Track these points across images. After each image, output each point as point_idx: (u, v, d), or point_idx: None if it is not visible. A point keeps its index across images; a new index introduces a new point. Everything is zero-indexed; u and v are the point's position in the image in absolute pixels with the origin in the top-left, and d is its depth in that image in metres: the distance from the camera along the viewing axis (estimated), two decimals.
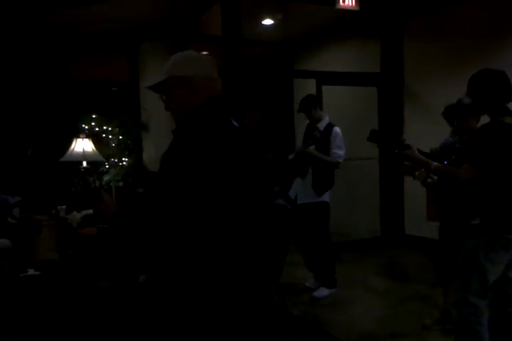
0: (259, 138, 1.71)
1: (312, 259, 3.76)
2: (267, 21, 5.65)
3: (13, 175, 4.99)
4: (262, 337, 3.01)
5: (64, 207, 4.36)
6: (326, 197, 3.66)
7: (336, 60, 6.07)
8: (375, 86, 5.47)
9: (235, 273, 1.54)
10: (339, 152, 3.65)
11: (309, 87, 5.31)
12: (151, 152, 5.61)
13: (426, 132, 4.90)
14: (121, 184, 5.00)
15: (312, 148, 3.67)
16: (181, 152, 1.44)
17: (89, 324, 2.57)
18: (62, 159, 4.73)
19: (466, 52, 4.54)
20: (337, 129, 3.68)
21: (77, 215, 4.03)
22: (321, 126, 3.72)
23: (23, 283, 3.89)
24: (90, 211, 4.27)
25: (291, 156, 3.83)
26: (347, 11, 4.98)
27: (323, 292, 3.63)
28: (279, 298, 3.08)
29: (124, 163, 5.35)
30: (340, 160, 3.66)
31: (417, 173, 2.82)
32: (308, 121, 3.85)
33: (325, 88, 5.08)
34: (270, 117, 6.78)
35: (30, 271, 3.97)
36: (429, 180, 2.87)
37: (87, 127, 5.23)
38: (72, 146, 4.77)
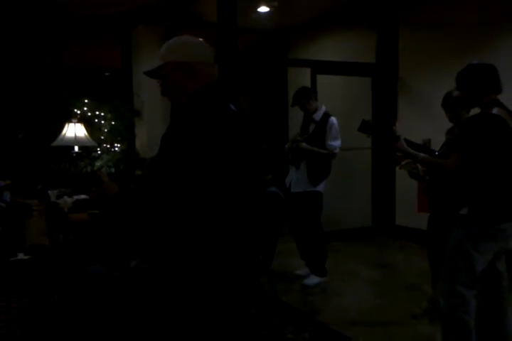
0: (254, 124, 1.71)
1: (304, 247, 3.79)
2: (263, 9, 5.60)
3: (4, 158, 4.94)
4: (253, 324, 3.04)
5: (55, 191, 4.33)
6: (320, 187, 3.68)
7: (331, 49, 6.05)
8: (369, 76, 5.46)
9: (226, 259, 1.54)
10: (334, 143, 3.65)
11: (304, 76, 5.29)
12: (144, 138, 5.57)
13: (419, 123, 4.93)
14: (113, 170, 4.97)
15: (303, 144, 3.67)
16: (180, 135, 1.44)
17: (80, 307, 2.58)
18: (54, 144, 4.68)
19: (462, 44, 4.54)
20: (333, 119, 3.68)
21: (68, 200, 4.00)
22: (317, 116, 3.71)
23: (12, 267, 3.89)
24: (82, 196, 4.26)
25: (287, 145, 3.83)
26: (343, 1, 4.93)
27: (313, 280, 3.67)
28: (270, 285, 3.10)
29: (117, 148, 5.32)
30: (336, 152, 3.67)
31: (402, 163, 2.83)
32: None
33: (319, 77, 5.07)
34: (264, 106, 6.75)
35: (20, 255, 3.96)
36: (414, 170, 2.89)
37: (79, 112, 5.17)
38: (64, 131, 4.73)
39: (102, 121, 5.31)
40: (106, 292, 2.41)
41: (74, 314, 2.55)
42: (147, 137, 5.50)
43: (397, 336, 2.82)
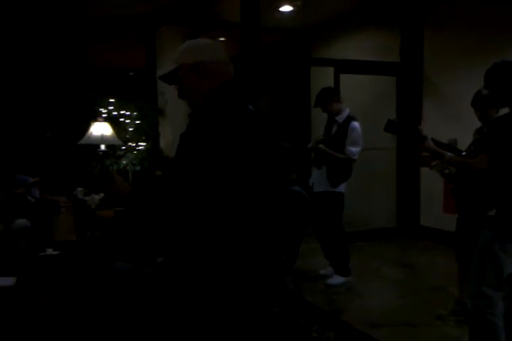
0: (273, 123, 1.73)
1: (328, 247, 3.79)
2: (286, 8, 5.60)
3: (33, 156, 5.08)
4: (277, 322, 3.06)
5: (82, 189, 4.43)
6: (341, 187, 3.66)
7: (353, 48, 6.01)
8: (394, 75, 5.41)
9: (249, 258, 1.56)
10: (353, 149, 3.58)
11: (326, 75, 5.27)
12: (168, 137, 5.64)
13: (444, 123, 4.86)
14: (138, 168, 5.06)
15: (322, 146, 3.64)
16: (198, 136, 1.46)
17: (108, 303, 2.63)
18: (81, 142, 4.78)
19: (488, 43, 4.46)
20: (355, 124, 3.61)
21: (95, 197, 4.09)
22: (341, 118, 3.67)
23: (41, 262, 4.00)
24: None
25: (310, 145, 3.83)
26: None
27: (336, 280, 3.66)
28: (294, 284, 3.12)
29: (141, 147, 5.40)
30: (354, 158, 3.61)
31: (433, 163, 2.81)
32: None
33: (343, 76, 5.04)
34: (286, 105, 6.75)
35: (49, 251, 4.07)
36: (446, 170, 2.86)
37: (105, 111, 5.27)
38: (91, 130, 4.82)
39: (127, 120, 5.39)
40: (134, 287, 2.46)
41: (102, 309, 2.61)
42: (171, 136, 5.57)
43: (423, 337, 2.80)
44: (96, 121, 4.89)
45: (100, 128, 4.86)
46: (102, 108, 5.24)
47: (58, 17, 5.56)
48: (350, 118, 3.64)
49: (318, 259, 4.01)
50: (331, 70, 5.09)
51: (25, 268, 3.88)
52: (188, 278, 1.62)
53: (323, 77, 5.69)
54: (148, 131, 5.45)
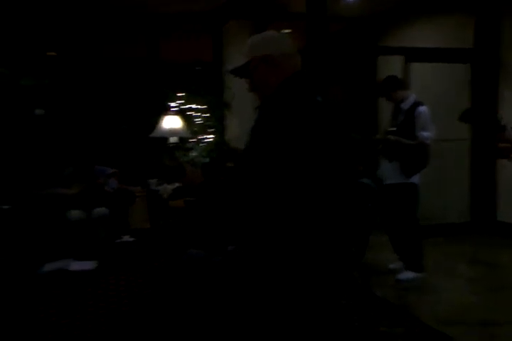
0: (342, 115, 1.71)
1: (398, 241, 3.70)
2: None
3: (110, 148, 5.38)
4: (344, 315, 3.05)
5: (155, 179, 4.63)
6: (415, 179, 3.55)
7: (423, 36, 5.77)
8: (467, 63, 5.14)
9: (320, 249, 1.56)
10: (424, 133, 3.47)
11: (394, 64, 5.11)
12: (234, 130, 5.75)
13: None
14: (206, 160, 5.20)
15: (390, 136, 3.55)
16: (269, 128, 1.48)
17: (180, 288, 2.74)
18: (152, 135, 4.99)
19: None
20: (421, 109, 3.49)
21: (168, 187, 4.26)
22: (406, 105, 3.57)
23: (119, 248, 4.23)
24: (178, 184, 4.51)
25: (378, 136, 3.76)
26: None
27: (407, 275, 3.58)
28: (363, 278, 3.08)
29: (209, 139, 5.55)
30: (427, 142, 3.50)
31: None
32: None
33: (412, 65, 4.87)
34: (353, 96, 6.62)
35: (125, 238, 4.29)
36: None
37: (175, 105, 5.46)
38: (162, 123, 5.01)
39: (196, 114, 5.55)
40: (206, 274, 2.54)
41: (175, 293, 2.73)
42: (237, 128, 5.67)
43: (503, 337, 2.68)
44: (166, 114, 5.08)
45: (170, 122, 5.04)
46: (172, 102, 5.43)
47: (131, 14, 5.82)
48: (416, 104, 3.52)
49: (388, 253, 3.93)
50: (398, 59, 4.94)
51: (104, 253, 4.13)
52: (257, 267, 1.66)
53: (390, 67, 5.52)
54: (216, 123, 5.59)
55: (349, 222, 1.73)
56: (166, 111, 5.17)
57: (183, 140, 5.35)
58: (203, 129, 5.57)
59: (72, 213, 4.09)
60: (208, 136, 5.56)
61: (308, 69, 1.70)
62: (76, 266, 3.89)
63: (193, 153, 5.36)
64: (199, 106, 5.59)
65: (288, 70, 1.61)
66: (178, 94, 5.54)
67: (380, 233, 3.79)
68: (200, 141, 5.52)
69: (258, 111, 1.59)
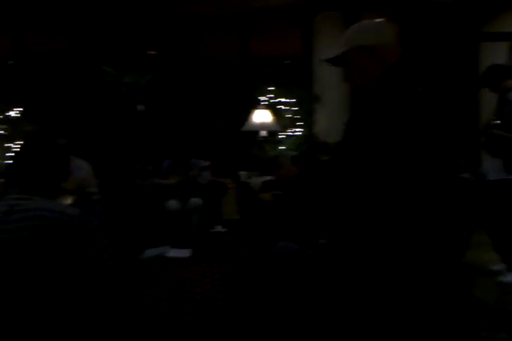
0: (444, 106, 1.62)
1: (500, 241, 3.45)
2: None
3: (204, 142, 5.64)
4: (442, 315, 2.92)
5: (246, 172, 4.77)
6: None
7: None
8: None
9: (417, 246, 1.50)
10: None
11: (498, 52, 4.72)
12: (323, 123, 5.70)
13: None
14: (295, 153, 5.23)
15: (494, 130, 3.28)
16: (367, 120, 1.45)
17: (272, 279, 2.79)
18: (243, 128, 5.13)
19: None
20: None
21: (257, 180, 4.37)
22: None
23: (212, 238, 4.43)
24: (269, 177, 4.59)
25: (481, 129, 3.51)
26: None
27: (510, 277, 3.33)
28: (462, 279, 2.92)
29: (298, 133, 5.57)
30: None
31: None
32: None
33: None
34: (453, 86, 6.23)
35: (218, 228, 4.49)
36: None
37: (264, 99, 5.55)
38: (252, 117, 5.13)
39: (285, 107, 5.60)
40: (299, 267, 2.56)
41: (266, 283, 2.80)
42: (327, 122, 5.62)
43: None
44: (257, 108, 5.19)
45: (261, 115, 5.15)
46: (262, 96, 5.53)
47: (223, 11, 6.00)
48: None
49: (489, 253, 3.68)
50: (503, 46, 4.55)
51: (198, 242, 4.34)
52: (352, 263, 1.64)
53: (494, 54, 5.11)
54: (305, 117, 5.59)
55: (449, 219, 1.65)
56: (256, 105, 5.27)
57: (272, 133, 5.42)
58: (292, 123, 5.60)
59: (169, 203, 4.36)
60: (297, 130, 5.58)
61: (406, 58, 1.64)
62: (173, 252, 4.15)
63: (282, 147, 5.42)
64: (288, 100, 5.62)
65: (387, 60, 1.56)
66: (268, 88, 5.62)
67: (481, 231, 3.56)
68: (289, 134, 5.57)
69: (355, 103, 1.57)
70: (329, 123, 5.64)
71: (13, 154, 4.98)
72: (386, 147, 1.42)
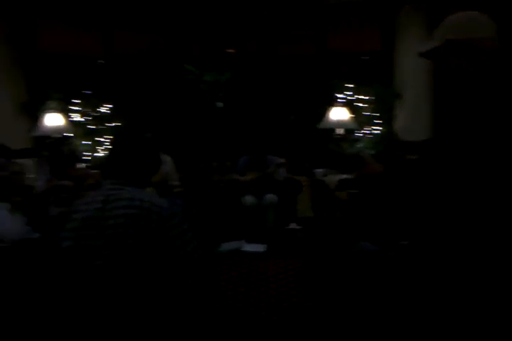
0: None
1: None
2: None
3: (279, 139, 5.67)
4: None
5: (321, 170, 4.73)
6: None
7: None
8: None
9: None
10: None
11: None
12: (403, 121, 5.51)
13: None
14: (372, 152, 5.11)
15: None
16: (474, 117, 1.38)
17: (352, 278, 2.75)
18: (320, 126, 5.08)
19: None
20: None
21: (333, 178, 4.32)
22: None
23: (287, 235, 4.46)
24: (344, 175, 4.52)
25: None
26: None
27: None
28: None
29: (376, 131, 5.42)
30: None
31: None
32: None
33: None
34: None
35: (292, 225, 4.50)
36: None
37: (342, 96, 5.46)
38: (329, 114, 5.07)
39: (363, 105, 5.47)
40: (380, 268, 2.50)
41: (345, 285, 2.76)
42: (408, 119, 5.42)
43: None
44: (334, 105, 5.12)
45: (337, 113, 5.07)
46: (339, 93, 5.44)
47: (300, 5, 5.99)
48: None
49: None
50: None
51: (273, 238, 4.39)
52: (436, 265, 1.57)
53: None
54: (384, 114, 5.42)
55: None
56: (334, 102, 5.21)
57: (348, 131, 5.33)
58: (370, 120, 5.46)
59: (246, 199, 4.43)
60: (375, 128, 5.43)
61: (504, 54, 1.54)
62: (248, 247, 4.24)
63: (359, 145, 5.30)
64: (366, 97, 5.48)
65: (488, 55, 1.49)
66: (346, 85, 5.52)
67: None
68: (367, 132, 5.44)
69: (454, 99, 1.51)
70: (410, 120, 5.44)
71: (102, 148, 5.33)
72: (500, 148, 1.35)
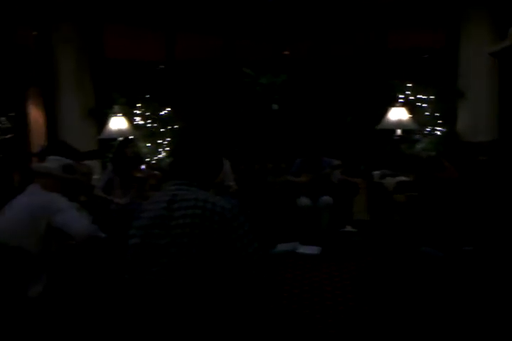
0: None
1: None
2: None
3: (335, 140, 5.61)
4: None
5: (378, 172, 4.62)
6: None
7: None
8: None
9: None
10: None
11: None
12: (467, 120, 5.27)
13: None
14: (433, 153, 4.92)
15: None
16: None
17: (412, 282, 2.67)
18: (378, 127, 4.98)
19: None
20: None
21: (392, 181, 4.21)
22: None
23: (342, 237, 4.40)
24: (402, 178, 4.40)
25: None
26: None
27: None
28: None
29: (437, 132, 5.22)
30: None
31: None
32: None
33: None
34: None
35: (348, 228, 4.44)
36: None
37: (401, 95, 5.31)
38: (388, 115, 4.95)
39: (424, 104, 5.28)
40: (443, 273, 2.42)
41: (410, 290, 2.68)
42: (472, 119, 5.19)
43: None
44: (393, 106, 4.99)
45: (397, 113, 4.94)
46: (399, 92, 5.29)
47: (359, 5, 5.88)
48: None
49: None
50: None
51: (327, 240, 4.35)
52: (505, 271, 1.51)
53: None
54: (446, 114, 5.21)
55: None
56: (393, 102, 5.09)
57: (408, 132, 5.18)
58: (431, 121, 5.26)
59: (300, 200, 4.42)
60: (437, 128, 5.23)
61: None
62: (303, 249, 4.23)
63: (419, 146, 5.13)
64: (427, 97, 5.29)
65: None
66: (406, 85, 5.36)
67: None
68: (428, 133, 5.24)
69: None
70: (474, 120, 5.20)
71: (163, 149, 5.53)
72: None
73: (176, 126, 5.63)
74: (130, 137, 4.68)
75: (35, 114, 6.58)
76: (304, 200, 4.44)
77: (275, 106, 5.75)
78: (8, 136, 5.43)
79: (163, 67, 6.35)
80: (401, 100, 5.25)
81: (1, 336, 1.96)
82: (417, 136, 5.24)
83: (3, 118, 5.57)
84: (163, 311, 1.49)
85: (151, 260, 1.53)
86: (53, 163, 2.35)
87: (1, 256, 2.05)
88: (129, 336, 1.57)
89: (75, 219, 2.17)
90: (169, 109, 5.68)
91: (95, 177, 4.38)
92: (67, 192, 2.35)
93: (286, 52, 6.42)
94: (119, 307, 1.75)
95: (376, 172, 4.73)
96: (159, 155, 5.49)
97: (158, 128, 5.55)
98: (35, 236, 2.13)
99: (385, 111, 4.98)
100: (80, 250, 2.24)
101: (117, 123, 5.00)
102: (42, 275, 2.12)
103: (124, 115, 5.09)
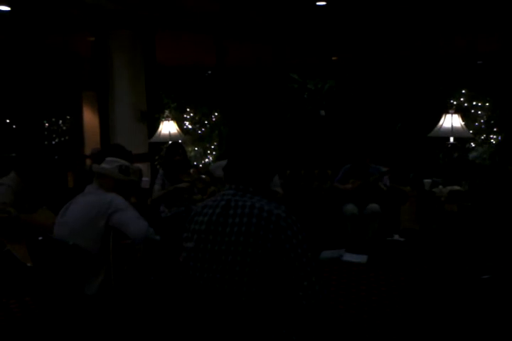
0: None
1: None
2: None
3: (384, 147, 5.49)
4: None
5: (429, 180, 4.48)
6: None
7: None
8: None
9: None
10: None
11: None
12: None
13: None
14: (487, 162, 4.72)
15: None
16: None
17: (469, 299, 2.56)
18: (430, 134, 4.83)
19: None
20: None
21: (444, 190, 4.08)
22: None
23: (389, 246, 4.29)
24: (455, 187, 4.25)
25: None
26: None
27: None
28: None
29: (492, 140, 5.01)
30: None
31: None
32: None
33: None
34: None
35: (396, 237, 4.33)
36: None
37: (455, 102, 5.14)
38: (441, 122, 4.80)
39: (479, 112, 5.09)
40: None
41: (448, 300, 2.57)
42: None
43: None
44: (447, 113, 4.84)
45: (451, 121, 4.78)
46: (453, 99, 5.13)
47: (409, 13, 5.76)
48: None
49: None
50: None
51: (374, 249, 4.25)
52: None
53: None
54: (502, 122, 4.99)
55: None
56: (447, 109, 4.93)
57: (461, 140, 5.00)
58: (486, 129, 5.06)
59: (347, 207, 4.35)
60: (493, 137, 5.02)
61: None
62: (348, 257, 4.15)
63: (473, 154, 4.94)
64: (484, 104, 5.09)
65: None
66: (462, 91, 5.18)
67: None
68: (482, 141, 5.04)
69: None
70: None
71: (211, 153, 5.62)
72: None
73: (223, 131, 5.70)
74: (179, 141, 4.78)
75: (90, 118, 6.87)
76: (350, 207, 4.37)
77: (322, 112, 5.71)
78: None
79: (210, 72, 6.47)
80: (455, 107, 5.09)
81: (58, 331, 2.04)
82: (471, 144, 5.05)
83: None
84: (214, 317, 1.49)
85: (203, 265, 1.54)
86: (111, 164, 2.42)
87: (61, 254, 2.13)
88: (181, 336, 1.59)
89: (133, 219, 2.21)
90: (217, 113, 5.77)
91: (145, 179, 4.49)
92: (121, 192, 2.40)
93: (334, 58, 6.38)
94: (171, 308, 1.78)
95: (427, 181, 4.59)
96: (206, 159, 5.58)
97: (206, 132, 5.64)
98: (94, 234, 2.19)
99: (436, 118, 4.83)
100: (136, 250, 2.30)
101: (168, 127, 5.13)
102: (99, 273, 2.18)
103: (174, 119, 5.21)
